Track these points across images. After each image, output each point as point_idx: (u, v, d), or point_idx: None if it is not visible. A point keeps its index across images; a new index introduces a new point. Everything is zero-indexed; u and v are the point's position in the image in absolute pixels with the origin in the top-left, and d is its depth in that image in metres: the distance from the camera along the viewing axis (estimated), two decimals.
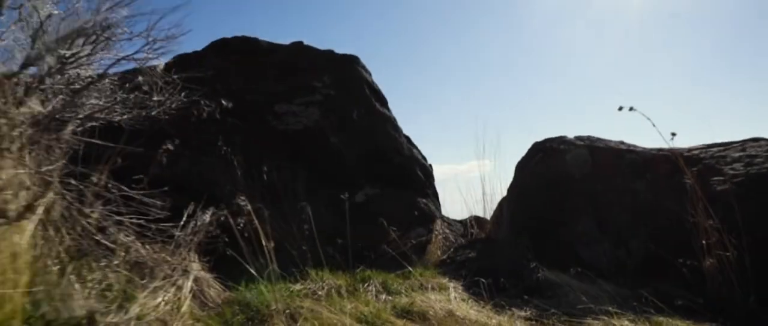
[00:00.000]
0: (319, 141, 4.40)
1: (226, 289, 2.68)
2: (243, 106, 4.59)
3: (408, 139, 5.27)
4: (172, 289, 2.29)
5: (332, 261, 3.59)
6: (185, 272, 2.36)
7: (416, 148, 5.31)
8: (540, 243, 4.83)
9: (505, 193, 5.69)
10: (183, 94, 3.56)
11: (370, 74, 5.25)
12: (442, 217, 6.30)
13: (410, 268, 3.69)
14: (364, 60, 5.25)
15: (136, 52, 3.23)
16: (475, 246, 4.74)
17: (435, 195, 5.14)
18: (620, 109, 3.87)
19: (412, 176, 4.96)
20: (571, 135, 5.66)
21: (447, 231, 5.72)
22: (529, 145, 5.67)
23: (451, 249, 4.83)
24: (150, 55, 3.32)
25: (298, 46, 5.56)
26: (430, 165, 5.61)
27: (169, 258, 2.37)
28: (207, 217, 2.63)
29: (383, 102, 5.19)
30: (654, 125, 3.81)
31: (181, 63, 5.19)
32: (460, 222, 6.11)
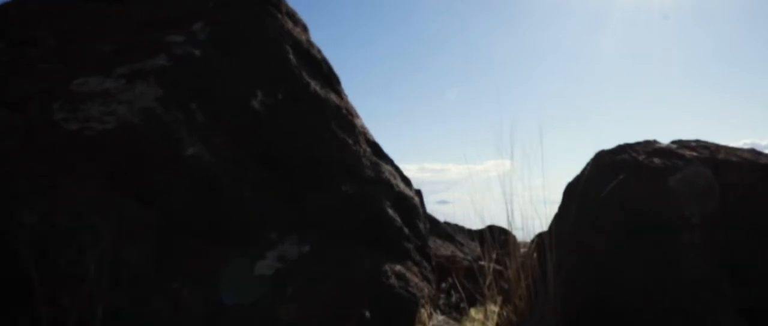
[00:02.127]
0: (161, 155, 2.06)
1: None
2: (27, 86, 2.30)
3: (374, 147, 2.90)
4: None
5: None
6: None
7: (390, 162, 2.93)
8: None
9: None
10: None
11: (305, 30, 2.90)
12: (454, 238, 5.08)
13: None
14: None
15: None
16: None
17: (423, 253, 2.74)
18: None
19: (378, 218, 2.60)
20: (663, 139, 3.23)
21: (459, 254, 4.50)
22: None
23: None
24: None
25: None
26: (418, 192, 3.23)
27: None
28: None
29: (328, 80, 2.84)
30: None
31: None
32: (474, 235, 4.41)
